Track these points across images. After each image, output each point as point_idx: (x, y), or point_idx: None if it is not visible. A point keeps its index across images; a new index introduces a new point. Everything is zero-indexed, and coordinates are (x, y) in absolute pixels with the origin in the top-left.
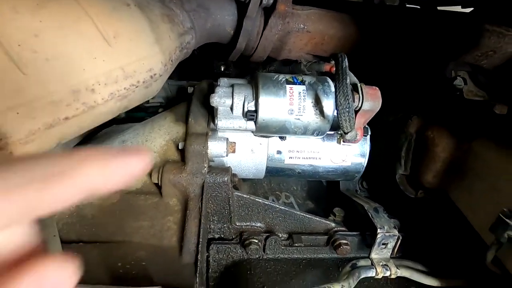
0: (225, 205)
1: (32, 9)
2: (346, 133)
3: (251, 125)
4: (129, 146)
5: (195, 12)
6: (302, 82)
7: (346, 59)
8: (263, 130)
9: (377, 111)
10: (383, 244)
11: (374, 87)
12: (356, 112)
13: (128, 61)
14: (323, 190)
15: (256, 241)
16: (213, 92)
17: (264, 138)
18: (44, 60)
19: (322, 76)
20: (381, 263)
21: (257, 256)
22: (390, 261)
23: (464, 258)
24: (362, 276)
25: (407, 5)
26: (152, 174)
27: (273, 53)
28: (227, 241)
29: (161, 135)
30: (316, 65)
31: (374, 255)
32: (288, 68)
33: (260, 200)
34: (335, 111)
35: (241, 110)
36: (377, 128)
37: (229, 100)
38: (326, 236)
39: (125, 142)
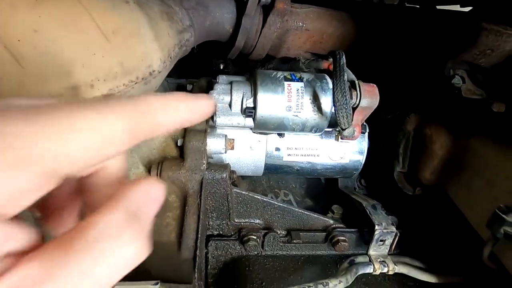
0: (224, 202)
1: (31, 4)
2: (343, 130)
3: (249, 121)
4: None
5: (194, 10)
6: (300, 79)
7: (344, 56)
8: (262, 127)
9: (374, 108)
10: (381, 240)
11: (371, 84)
12: (354, 109)
13: (127, 57)
14: (322, 188)
15: (255, 237)
16: (212, 89)
17: (263, 135)
18: (43, 55)
19: (320, 73)
20: (379, 260)
21: (256, 252)
22: (388, 257)
23: (462, 254)
24: (360, 273)
25: (407, 4)
26: (151, 171)
27: (272, 51)
28: (225, 238)
29: None
30: (315, 62)
31: (372, 251)
32: (287, 66)
33: (258, 197)
34: (333, 108)
35: (240, 107)
36: (375, 125)
37: (228, 97)
38: (324, 233)
39: None
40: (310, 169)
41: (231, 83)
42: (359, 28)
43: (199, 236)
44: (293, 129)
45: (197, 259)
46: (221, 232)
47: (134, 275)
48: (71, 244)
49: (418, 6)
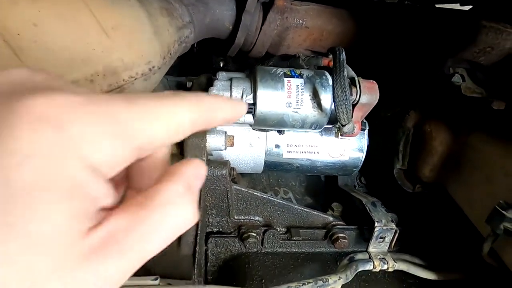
0: (224, 199)
1: None
2: (343, 126)
3: (249, 118)
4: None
5: (194, 7)
6: (300, 76)
7: (343, 53)
8: (261, 123)
9: (374, 104)
10: (380, 237)
11: (371, 80)
12: (354, 105)
13: (127, 53)
14: (321, 186)
15: (255, 234)
16: (211, 86)
17: (263, 132)
18: (43, 49)
19: (320, 70)
20: (378, 257)
21: (255, 249)
22: (388, 254)
23: (461, 251)
24: (359, 269)
25: (406, 3)
26: None
27: (272, 48)
28: (225, 235)
29: None
30: (314, 59)
31: (371, 248)
32: (287, 63)
33: (258, 194)
34: (333, 104)
35: None
36: (375, 123)
37: (228, 93)
38: (324, 230)
39: None
40: (310, 166)
41: (230, 79)
42: (359, 26)
43: (199, 232)
44: (293, 125)
45: (196, 255)
46: (220, 229)
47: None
48: (146, 205)
49: (417, 5)
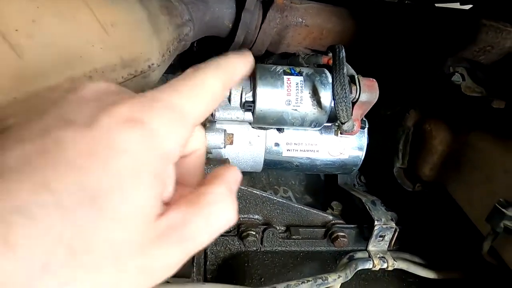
0: None
1: None
2: (343, 123)
3: (248, 116)
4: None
5: (193, 5)
6: (299, 73)
7: (343, 50)
8: (261, 121)
9: (374, 102)
10: (380, 236)
11: (371, 78)
12: (354, 103)
13: (126, 50)
14: (321, 185)
15: (254, 233)
16: None
17: (262, 130)
18: (41, 45)
19: (320, 68)
20: (378, 255)
21: (255, 248)
22: (387, 253)
23: (461, 250)
24: (359, 268)
25: (406, 2)
26: None
27: (272, 47)
28: (224, 233)
29: None
30: (314, 57)
31: (371, 247)
32: (286, 61)
33: (258, 192)
34: (332, 102)
35: (239, 101)
36: (375, 121)
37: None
38: (324, 229)
39: None
40: (310, 165)
41: None
42: (358, 24)
43: None
44: (292, 123)
45: (195, 253)
46: None
47: None
48: (196, 203)
49: (417, 4)
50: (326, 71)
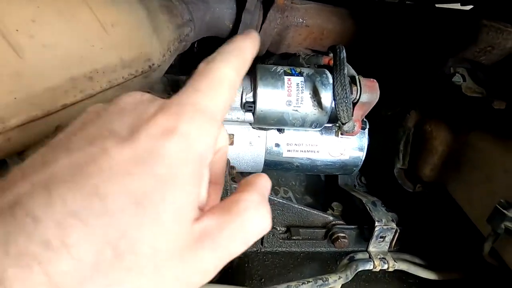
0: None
1: None
2: (343, 124)
3: (249, 116)
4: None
5: (194, 5)
6: (300, 74)
7: (344, 51)
8: (261, 121)
9: (375, 103)
10: (381, 237)
11: (372, 79)
12: (354, 104)
13: (126, 50)
14: (322, 185)
15: None
16: None
17: (263, 131)
18: (41, 45)
19: (320, 68)
20: (378, 256)
21: (255, 249)
22: (388, 254)
23: (462, 251)
24: (359, 269)
25: (407, 2)
26: None
27: (272, 47)
28: None
29: None
30: (315, 58)
31: (372, 248)
32: (287, 61)
33: None
34: (333, 102)
35: (239, 101)
36: (375, 122)
37: None
38: (324, 230)
39: None
40: (310, 166)
41: None
42: (359, 25)
43: None
44: (293, 124)
45: None
46: None
47: None
48: (230, 210)
49: (418, 5)
50: (327, 72)
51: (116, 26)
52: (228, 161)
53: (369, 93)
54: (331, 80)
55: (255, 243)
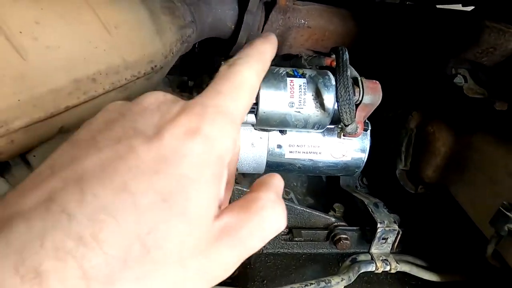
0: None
1: None
2: (346, 126)
3: (251, 117)
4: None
5: (196, 6)
6: (302, 75)
7: (346, 52)
8: (264, 123)
9: (377, 104)
10: (383, 239)
11: (374, 81)
12: (357, 105)
13: (129, 51)
14: (323, 186)
15: None
16: None
17: (264, 132)
18: (45, 47)
19: (323, 70)
20: (381, 258)
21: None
22: (390, 256)
23: (464, 253)
24: (362, 271)
25: (408, 3)
26: None
27: None
28: None
29: None
30: (317, 59)
31: (374, 249)
32: (289, 62)
33: None
34: (336, 104)
35: None
36: (377, 123)
37: None
38: (326, 231)
39: None
40: (312, 167)
41: None
42: (360, 26)
43: None
44: (295, 125)
45: None
46: None
47: None
48: (248, 208)
49: (419, 5)
50: (329, 73)
51: (119, 27)
52: None
53: (371, 95)
54: (333, 82)
55: None
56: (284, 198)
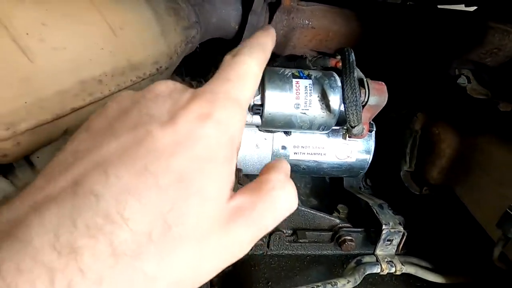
0: None
1: None
2: (353, 127)
3: (257, 119)
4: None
5: (200, 7)
6: (308, 76)
7: (352, 53)
8: (269, 124)
9: (383, 106)
10: (388, 240)
11: (380, 82)
12: (362, 107)
13: (135, 53)
14: (327, 187)
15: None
16: None
17: (269, 133)
18: (51, 49)
19: (328, 71)
20: (386, 260)
21: (262, 252)
22: (395, 257)
23: (470, 254)
24: (367, 272)
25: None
26: None
27: (277, 49)
28: None
29: None
30: (322, 60)
31: (379, 251)
32: (293, 63)
33: None
34: (341, 105)
35: None
36: (382, 124)
37: None
38: (331, 232)
39: None
40: (317, 168)
41: None
42: (364, 26)
43: None
44: (300, 126)
45: None
46: None
47: None
48: (259, 190)
49: (421, 6)
50: (335, 75)
51: (124, 28)
52: None
53: (377, 96)
54: (339, 83)
55: (262, 246)
56: None
